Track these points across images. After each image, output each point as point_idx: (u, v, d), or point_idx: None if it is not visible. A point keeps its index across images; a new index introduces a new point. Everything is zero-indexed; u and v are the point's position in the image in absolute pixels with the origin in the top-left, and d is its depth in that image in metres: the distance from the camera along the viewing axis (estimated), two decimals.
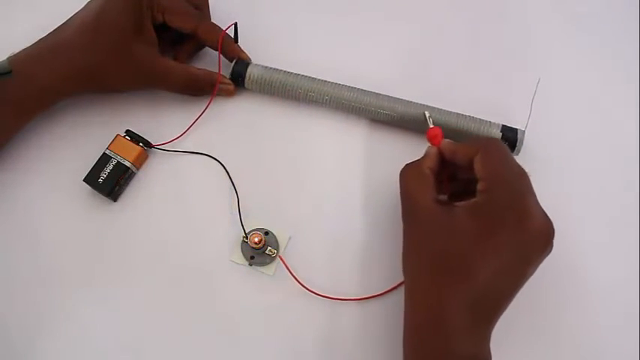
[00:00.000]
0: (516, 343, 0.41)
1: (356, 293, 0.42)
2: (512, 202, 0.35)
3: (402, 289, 0.42)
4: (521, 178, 0.37)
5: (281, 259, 0.43)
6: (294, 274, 0.42)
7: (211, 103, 0.48)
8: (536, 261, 0.36)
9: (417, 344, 0.36)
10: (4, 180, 0.46)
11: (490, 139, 0.40)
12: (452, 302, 0.34)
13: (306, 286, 0.42)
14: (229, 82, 0.49)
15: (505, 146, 0.39)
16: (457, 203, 0.37)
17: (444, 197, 0.40)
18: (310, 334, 0.41)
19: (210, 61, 0.51)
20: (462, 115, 0.46)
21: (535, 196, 0.36)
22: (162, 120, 0.48)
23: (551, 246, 0.36)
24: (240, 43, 0.50)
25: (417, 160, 0.41)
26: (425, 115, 0.45)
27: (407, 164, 0.41)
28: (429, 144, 0.42)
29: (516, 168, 0.37)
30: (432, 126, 0.43)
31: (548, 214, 0.45)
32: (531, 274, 0.36)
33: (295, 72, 0.49)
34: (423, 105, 0.47)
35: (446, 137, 0.47)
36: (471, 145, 0.39)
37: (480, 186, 0.36)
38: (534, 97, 0.44)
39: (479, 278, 0.34)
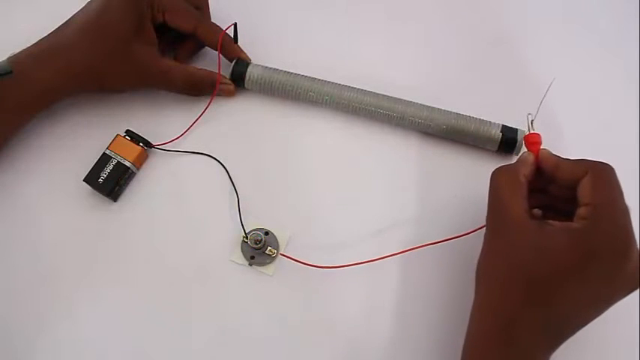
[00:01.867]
0: None
1: None
2: (616, 238, 0.33)
3: (402, 288, 0.42)
4: (627, 213, 0.35)
5: (283, 255, 0.43)
6: (299, 259, 0.42)
7: (211, 103, 0.48)
8: (620, 299, 0.34)
9: (484, 351, 0.35)
10: (4, 180, 0.46)
11: (603, 164, 0.36)
12: (525, 322, 0.33)
13: (310, 264, 0.41)
14: (229, 82, 0.49)
15: (616, 174, 0.36)
16: (552, 222, 0.35)
17: (538, 212, 0.38)
18: (310, 334, 0.41)
19: (210, 61, 0.50)
20: (462, 115, 0.46)
21: (634, 235, 0.34)
22: (162, 120, 0.48)
23: (638, 287, 0.34)
24: (240, 43, 0.50)
25: (512, 164, 0.39)
26: (527, 119, 0.41)
27: (500, 167, 0.38)
28: (526, 149, 0.39)
29: (624, 202, 0.35)
30: (533, 131, 0.40)
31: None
32: (610, 307, 0.35)
33: (295, 72, 0.49)
34: (423, 105, 0.47)
35: (446, 137, 0.47)
36: (579, 164, 0.36)
37: (583, 211, 0.34)
38: (543, 100, 0.44)
39: (560, 306, 0.33)
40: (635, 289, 0.34)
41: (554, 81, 0.44)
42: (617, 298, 0.34)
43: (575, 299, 0.33)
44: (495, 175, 0.38)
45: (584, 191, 0.35)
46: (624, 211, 0.34)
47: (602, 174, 0.35)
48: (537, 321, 0.33)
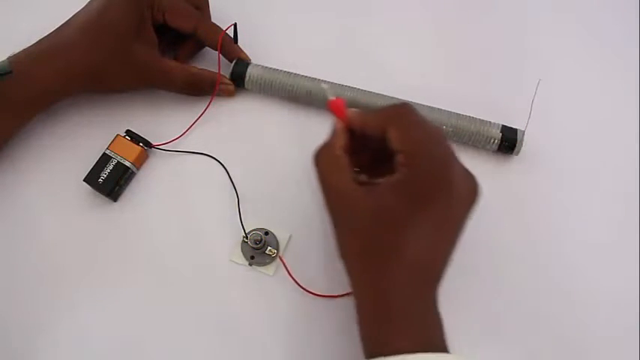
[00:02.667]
0: (518, 343, 0.41)
1: None
2: (435, 172, 0.34)
3: None
4: (439, 142, 0.35)
5: (281, 261, 0.43)
6: (294, 276, 0.42)
7: (211, 104, 0.48)
8: (464, 220, 0.35)
9: (367, 329, 0.35)
10: (4, 180, 0.46)
11: (399, 106, 0.37)
12: (389, 281, 0.34)
13: (306, 288, 0.42)
14: (229, 82, 0.49)
15: (416, 110, 0.36)
16: (378, 181, 0.35)
17: (364, 177, 0.38)
18: (310, 333, 0.41)
19: (210, 61, 0.51)
20: (462, 115, 0.46)
21: (454, 155, 0.35)
22: (162, 120, 0.48)
23: (479, 195, 0.36)
24: (240, 43, 0.50)
25: (327, 140, 0.38)
26: (324, 89, 0.40)
27: (318, 148, 0.38)
28: (335, 118, 0.38)
29: (433, 132, 0.36)
30: (332, 98, 0.38)
31: (548, 215, 0.45)
32: (464, 229, 0.36)
33: (295, 72, 0.49)
34: (424, 105, 0.47)
35: (446, 137, 0.47)
36: (381, 115, 0.36)
37: (400, 159, 0.34)
38: (534, 98, 0.44)
39: (412, 254, 0.34)
40: (475, 200, 0.35)
41: (539, 83, 0.45)
42: (464, 218, 0.35)
43: (424, 242, 0.34)
44: (315, 157, 0.37)
45: (394, 140, 0.35)
46: (436, 141, 0.35)
47: (402, 117, 0.36)
48: (400, 278, 0.34)
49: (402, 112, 0.36)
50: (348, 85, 0.48)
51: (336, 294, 0.42)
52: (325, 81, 0.48)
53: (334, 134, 0.38)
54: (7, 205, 0.45)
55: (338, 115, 0.38)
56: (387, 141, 0.35)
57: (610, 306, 0.42)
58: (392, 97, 0.47)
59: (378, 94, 0.47)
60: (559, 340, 0.41)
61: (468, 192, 0.35)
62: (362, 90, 0.48)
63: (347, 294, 0.42)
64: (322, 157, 0.37)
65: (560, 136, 0.49)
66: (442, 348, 0.33)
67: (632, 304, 0.43)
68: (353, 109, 0.38)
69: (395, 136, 0.35)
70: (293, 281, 0.42)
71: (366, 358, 0.34)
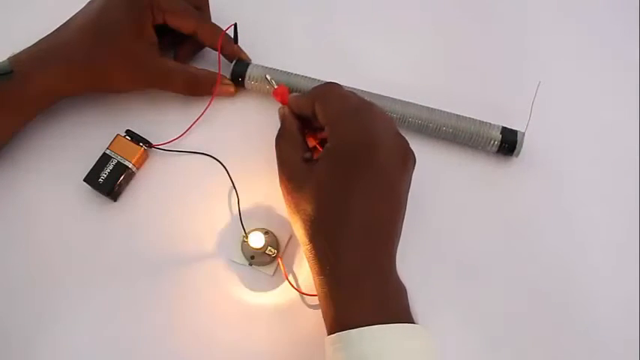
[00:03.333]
0: (519, 344, 0.41)
1: None
2: (356, 135, 0.37)
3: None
4: (360, 109, 0.38)
5: (280, 263, 0.43)
6: (290, 281, 0.42)
7: (211, 104, 0.48)
8: (401, 177, 0.37)
9: (327, 304, 0.35)
10: (4, 180, 0.46)
11: (322, 85, 0.41)
12: (341, 250, 0.35)
13: (303, 291, 0.42)
14: (229, 82, 0.49)
15: (338, 86, 0.40)
16: (318, 156, 0.38)
17: (308, 155, 0.41)
18: (311, 333, 0.41)
19: (210, 61, 0.51)
20: (463, 116, 0.46)
21: (380, 119, 0.38)
22: (162, 120, 0.48)
23: (412, 157, 0.38)
24: (240, 43, 0.50)
25: (283, 124, 0.42)
26: (266, 78, 0.46)
27: (278, 132, 0.42)
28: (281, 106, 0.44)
29: (354, 101, 0.39)
30: (275, 86, 0.45)
31: (548, 215, 0.45)
32: (405, 190, 0.37)
33: (295, 72, 0.49)
34: (423, 106, 0.47)
35: (446, 138, 0.47)
36: (308, 95, 0.40)
37: (326, 131, 0.38)
38: (534, 100, 0.45)
39: (353, 217, 0.35)
40: (407, 159, 0.37)
41: (539, 85, 0.45)
42: (398, 179, 0.37)
43: (362, 206, 0.35)
44: (275, 142, 0.42)
45: (319, 117, 0.39)
46: (355, 109, 0.38)
47: (322, 95, 0.40)
48: (348, 244, 0.35)
49: (324, 89, 0.40)
50: (348, 85, 0.48)
51: None
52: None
53: (283, 118, 0.43)
54: (7, 204, 0.45)
55: (281, 101, 0.43)
56: (318, 117, 0.39)
57: (610, 306, 0.42)
58: (392, 98, 0.47)
59: (378, 94, 0.48)
60: (558, 340, 0.41)
61: (397, 151, 0.37)
62: (362, 91, 0.48)
63: None
64: (278, 140, 0.42)
65: (560, 138, 0.49)
66: (404, 318, 0.34)
67: (632, 304, 0.43)
68: (293, 94, 0.43)
69: (319, 111, 0.39)
70: (290, 285, 0.42)
71: (328, 334, 0.35)
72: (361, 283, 0.34)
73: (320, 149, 0.41)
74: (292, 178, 0.39)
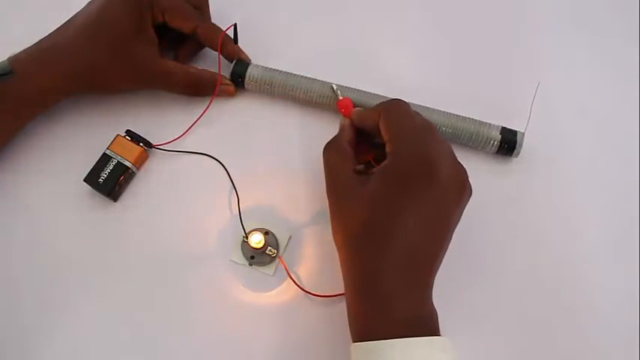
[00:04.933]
0: (519, 343, 0.41)
1: None
2: (418, 156, 0.36)
3: None
4: (424, 131, 0.38)
5: (281, 262, 0.43)
6: (293, 278, 0.42)
7: (211, 104, 0.48)
8: (455, 208, 0.36)
9: (358, 314, 0.36)
10: (4, 180, 0.46)
11: (390, 100, 0.41)
12: (382, 267, 0.34)
13: (305, 289, 0.42)
14: (229, 82, 0.49)
15: (405, 103, 0.40)
16: (373, 170, 0.38)
17: (360, 167, 0.41)
18: (311, 333, 0.41)
19: (210, 62, 0.51)
20: (462, 116, 0.46)
21: (443, 145, 0.38)
22: (162, 120, 0.48)
23: (469, 190, 0.37)
24: (239, 43, 0.50)
25: (335, 135, 0.42)
26: (332, 89, 0.46)
27: (328, 142, 0.41)
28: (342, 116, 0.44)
29: (419, 122, 0.39)
30: (340, 97, 0.45)
31: (548, 216, 0.45)
32: (455, 222, 0.37)
33: (295, 72, 0.49)
34: (423, 107, 0.47)
35: (445, 138, 0.47)
36: (374, 109, 0.40)
37: (387, 148, 0.38)
38: (534, 100, 0.45)
39: (401, 238, 0.35)
40: (463, 190, 0.37)
41: (539, 85, 0.45)
42: (452, 208, 0.36)
43: (412, 227, 0.35)
44: (324, 150, 0.41)
45: (382, 132, 0.38)
46: (419, 130, 0.38)
47: (388, 109, 0.39)
48: (392, 263, 0.34)
49: (391, 104, 0.40)
50: (347, 85, 0.48)
51: (335, 294, 0.42)
52: (328, 82, 0.48)
53: (341, 129, 0.42)
54: (7, 205, 0.45)
55: (344, 113, 0.43)
56: (381, 132, 0.38)
57: (610, 306, 0.42)
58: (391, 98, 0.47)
59: (378, 95, 0.47)
60: (556, 340, 0.41)
61: (457, 183, 0.37)
62: (362, 91, 0.48)
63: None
64: (329, 148, 0.41)
65: (559, 138, 0.49)
66: (431, 334, 0.34)
67: (632, 304, 0.43)
68: (357, 108, 0.43)
69: (383, 126, 0.38)
70: (292, 282, 0.42)
71: (353, 342, 0.35)
72: (396, 303, 0.34)
73: (374, 164, 0.41)
74: (343, 187, 0.38)
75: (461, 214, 0.37)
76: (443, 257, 0.36)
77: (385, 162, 0.37)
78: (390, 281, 0.34)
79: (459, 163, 0.37)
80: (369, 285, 0.35)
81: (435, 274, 0.36)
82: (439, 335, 0.34)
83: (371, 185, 0.36)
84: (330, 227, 0.44)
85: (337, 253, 0.43)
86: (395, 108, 0.39)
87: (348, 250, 0.37)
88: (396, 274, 0.34)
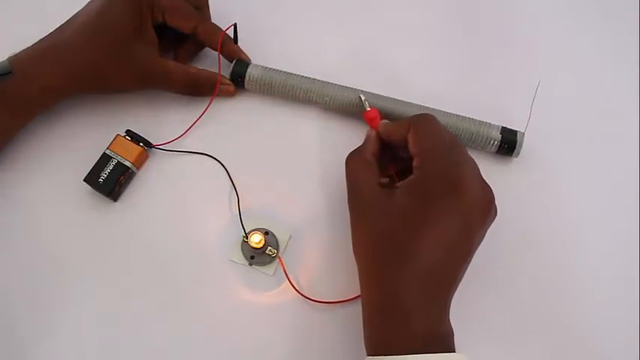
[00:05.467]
0: (517, 344, 0.41)
1: (356, 292, 0.42)
2: (445, 173, 0.36)
3: None
4: (453, 148, 0.37)
5: (281, 264, 0.43)
6: (292, 281, 0.42)
7: (211, 104, 0.48)
8: (480, 229, 0.36)
9: (375, 328, 0.35)
10: (4, 180, 0.46)
11: (420, 115, 0.40)
12: (402, 282, 0.34)
13: (304, 294, 0.42)
14: (229, 82, 0.49)
15: (435, 119, 0.39)
16: (398, 184, 0.37)
17: (385, 180, 0.41)
18: (311, 334, 0.41)
19: (210, 62, 0.51)
20: (462, 116, 0.46)
21: (470, 163, 0.37)
22: (162, 120, 0.48)
23: (494, 211, 0.37)
24: (239, 43, 0.50)
25: (360, 146, 0.42)
26: (360, 99, 0.46)
27: (351, 152, 0.41)
28: (369, 127, 0.43)
29: (448, 139, 0.38)
30: (368, 108, 0.44)
31: (548, 216, 0.45)
32: (478, 242, 0.36)
33: (295, 73, 0.49)
34: (423, 106, 0.47)
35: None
36: (403, 123, 0.39)
37: (414, 162, 0.37)
38: (534, 100, 0.45)
39: (424, 254, 0.34)
40: (489, 211, 0.36)
41: (539, 84, 0.45)
42: (476, 228, 0.36)
43: (434, 243, 0.34)
44: (348, 160, 0.41)
45: (410, 145, 0.38)
46: (448, 147, 0.37)
47: (418, 123, 0.39)
48: (413, 278, 0.34)
49: (422, 119, 0.39)
50: (349, 86, 0.48)
51: (335, 298, 0.42)
52: (328, 82, 0.48)
53: (367, 140, 0.42)
54: (7, 205, 0.45)
55: (371, 125, 0.42)
56: (409, 145, 0.38)
57: (610, 306, 0.43)
58: (392, 99, 0.47)
59: (378, 95, 0.48)
60: (556, 340, 0.41)
61: (483, 201, 0.36)
62: (362, 91, 0.48)
63: (345, 300, 0.42)
64: (353, 159, 0.41)
65: (559, 138, 0.49)
66: (447, 350, 0.34)
67: (632, 304, 0.43)
68: (384, 120, 0.42)
69: (412, 140, 0.38)
70: (291, 285, 0.42)
71: (368, 355, 0.35)
72: (414, 319, 0.34)
73: (396, 179, 0.41)
74: (367, 199, 0.38)
75: (484, 235, 0.37)
76: (462, 276, 0.36)
77: (412, 177, 0.37)
78: (410, 297, 0.34)
79: (486, 183, 0.37)
80: (388, 299, 0.35)
81: (454, 292, 0.36)
82: (454, 350, 0.34)
83: (396, 199, 0.36)
84: (331, 227, 0.45)
85: (337, 253, 0.44)
86: (425, 122, 0.39)
87: (368, 263, 0.37)
88: (416, 290, 0.34)
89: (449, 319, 0.35)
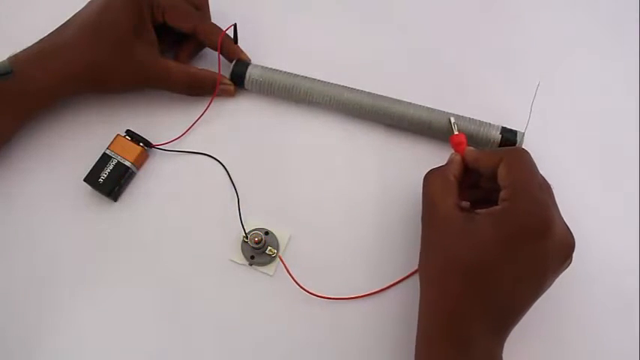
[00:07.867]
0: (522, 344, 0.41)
1: (356, 292, 0.42)
2: (535, 212, 0.35)
3: (401, 286, 0.43)
4: (543, 188, 0.37)
5: (281, 260, 0.43)
6: (294, 276, 0.42)
7: (211, 104, 0.48)
8: (555, 272, 0.36)
9: (431, 349, 0.35)
10: (4, 180, 0.46)
11: (516, 148, 0.40)
12: (469, 309, 0.34)
13: (306, 289, 0.42)
14: (229, 82, 0.49)
15: (529, 154, 0.38)
16: (479, 210, 0.36)
17: (466, 204, 0.40)
18: (310, 333, 0.41)
19: (210, 62, 0.51)
20: (462, 116, 0.46)
21: (557, 208, 0.36)
22: (162, 120, 0.48)
23: (571, 259, 0.36)
24: (239, 43, 0.50)
25: (442, 166, 0.41)
26: (450, 121, 0.45)
27: (431, 169, 0.41)
28: (453, 150, 0.42)
29: (541, 178, 0.37)
30: (456, 132, 0.44)
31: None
32: (549, 285, 0.36)
33: (295, 73, 0.49)
34: (423, 106, 0.47)
35: (446, 139, 0.47)
36: (495, 153, 0.39)
37: (503, 194, 0.36)
38: (534, 100, 0.45)
39: (497, 288, 0.34)
40: (568, 258, 0.36)
41: (539, 85, 0.45)
42: (553, 271, 0.35)
43: (510, 278, 0.34)
44: (427, 177, 0.40)
45: (501, 176, 0.37)
46: (541, 186, 0.36)
47: (514, 157, 0.38)
48: (480, 308, 0.34)
49: (516, 153, 0.38)
50: (349, 86, 0.48)
51: (334, 295, 0.42)
52: (328, 82, 0.48)
53: (450, 162, 0.41)
54: (7, 204, 0.45)
55: (457, 149, 0.42)
56: (497, 176, 0.37)
57: (610, 306, 0.43)
58: (392, 99, 0.47)
59: (378, 95, 0.48)
60: (556, 340, 0.41)
61: (563, 251, 0.36)
62: (362, 91, 0.48)
63: (347, 298, 0.42)
64: (433, 177, 0.40)
65: (559, 138, 0.49)
66: None
67: (632, 304, 0.43)
68: (470, 147, 0.42)
69: (504, 172, 0.37)
70: (293, 281, 0.42)
71: None
72: (474, 348, 0.34)
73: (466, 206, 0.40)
74: (445, 220, 0.37)
75: (554, 280, 0.36)
76: (524, 316, 0.36)
77: (498, 207, 0.36)
78: (475, 325, 0.34)
79: (570, 232, 0.36)
80: (453, 324, 0.35)
81: (512, 329, 0.36)
82: None
83: (478, 226, 0.35)
84: (331, 227, 0.45)
85: (337, 253, 0.44)
86: (522, 156, 0.38)
87: (437, 284, 0.36)
88: (481, 319, 0.34)
89: (502, 353, 0.35)
